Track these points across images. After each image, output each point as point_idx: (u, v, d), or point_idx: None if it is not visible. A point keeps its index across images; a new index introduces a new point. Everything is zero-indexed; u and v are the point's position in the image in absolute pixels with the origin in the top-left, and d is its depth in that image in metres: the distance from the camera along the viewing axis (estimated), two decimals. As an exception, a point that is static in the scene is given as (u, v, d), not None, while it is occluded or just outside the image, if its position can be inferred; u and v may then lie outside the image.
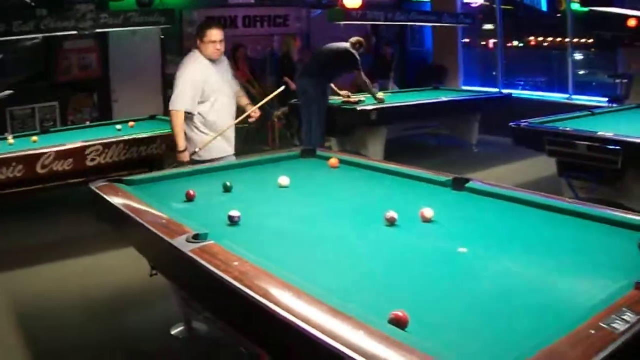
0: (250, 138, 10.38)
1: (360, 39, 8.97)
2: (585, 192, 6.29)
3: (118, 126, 7.37)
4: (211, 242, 2.75)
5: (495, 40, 13.22)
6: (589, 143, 5.87)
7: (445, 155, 10.04)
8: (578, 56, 12.06)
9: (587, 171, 6.15)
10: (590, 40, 12.15)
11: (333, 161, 4.65)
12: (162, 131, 6.84)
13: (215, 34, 5.41)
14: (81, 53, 9.71)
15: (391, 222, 3.19)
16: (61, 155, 6.11)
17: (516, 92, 12.00)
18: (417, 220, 3.26)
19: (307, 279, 2.37)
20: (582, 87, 11.88)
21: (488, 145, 10.76)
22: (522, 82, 13.51)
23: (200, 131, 5.51)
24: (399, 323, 2.01)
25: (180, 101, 5.37)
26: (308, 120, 8.84)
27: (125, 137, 6.59)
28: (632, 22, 11.09)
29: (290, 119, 10.72)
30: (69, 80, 9.78)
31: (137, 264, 5.19)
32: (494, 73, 13.52)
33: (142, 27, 8.35)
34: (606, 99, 10.64)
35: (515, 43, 13.57)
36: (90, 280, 5.36)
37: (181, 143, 5.43)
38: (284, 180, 4.07)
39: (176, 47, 10.49)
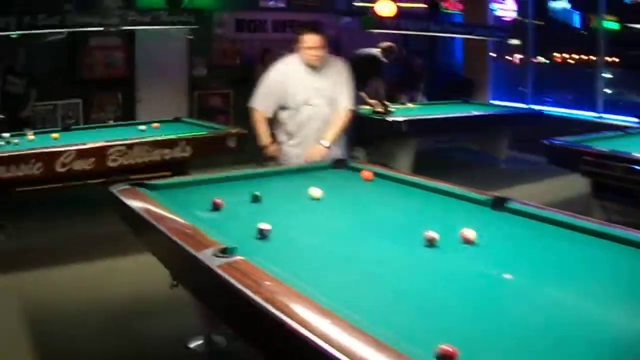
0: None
1: (392, 44, 8.83)
2: (619, 216, 6.06)
3: (142, 127, 7.22)
4: (240, 257, 2.56)
5: (521, 56, 13.03)
6: (627, 165, 5.68)
7: (474, 170, 9.81)
8: (607, 75, 11.82)
9: (623, 194, 5.95)
10: (618, 59, 11.89)
11: (367, 174, 4.44)
12: (187, 134, 6.69)
13: (309, 40, 5.14)
14: (107, 51, 9.58)
15: (431, 243, 2.99)
16: (82, 154, 5.96)
17: (545, 109, 11.77)
18: (458, 241, 3.06)
19: (345, 304, 2.17)
20: (611, 106, 11.66)
21: (517, 162, 10.56)
22: (550, 99, 13.28)
23: (281, 138, 5.45)
24: (447, 357, 1.83)
25: (254, 99, 5.42)
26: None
27: (149, 139, 6.44)
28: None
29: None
30: (94, 78, 9.65)
31: (157, 270, 5.00)
32: (520, 88, 13.33)
33: (171, 26, 8.21)
34: (637, 119, 10.44)
35: (541, 59, 13.33)
36: (106, 284, 5.23)
37: (262, 138, 5.37)
38: (315, 192, 3.88)
39: (204, 49, 10.35)
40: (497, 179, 9.24)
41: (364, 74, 8.70)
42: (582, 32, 13.27)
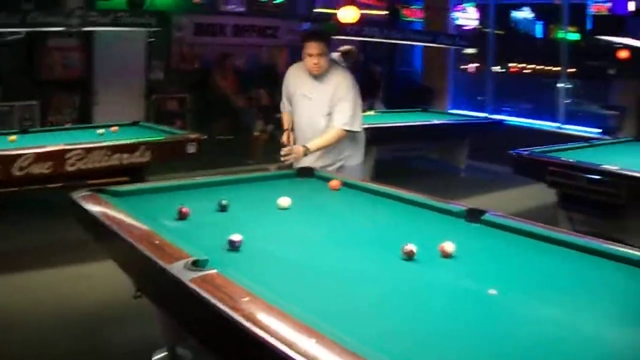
0: (232, 152, 10.11)
1: (351, 47, 8.78)
2: (584, 226, 6.05)
3: (100, 130, 7.01)
4: (214, 271, 2.42)
5: (477, 65, 13.09)
6: (593, 176, 5.68)
7: (434, 179, 9.75)
8: (567, 85, 11.92)
9: (588, 204, 5.94)
10: (574, 70, 12.00)
11: (334, 183, 4.32)
12: (146, 139, 6.51)
13: (308, 46, 5.04)
14: (65, 52, 9.31)
15: (409, 257, 2.88)
16: (41, 157, 5.73)
17: (504, 118, 11.83)
18: (436, 254, 2.96)
19: (327, 322, 2.04)
20: (571, 117, 11.75)
21: (476, 171, 10.54)
22: (510, 109, 13.35)
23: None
24: None
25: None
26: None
27: (108, 143, 6.22)
28: (623, 54, 11.00)
29: (275, 134, 10.47)
30: (52, 79, 9.38)
31: (119, 279, 4.84)
32: (479, 98, 13.38)
33: (132, 28, 8.01)
34: (599, 130, 10.53)
35: (500, 69, 13.40)
36: (68, 292, 5.05)
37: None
38: (284, 201, 3.74)
39: (163, 53, 10.16)
40: (457, 188, 9.19)
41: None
42: (544, 42, 13.40)
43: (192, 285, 2.30)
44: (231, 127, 10.50)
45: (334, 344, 1.88)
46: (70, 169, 5.88)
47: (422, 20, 13.34)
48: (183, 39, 10.42)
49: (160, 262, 2.55)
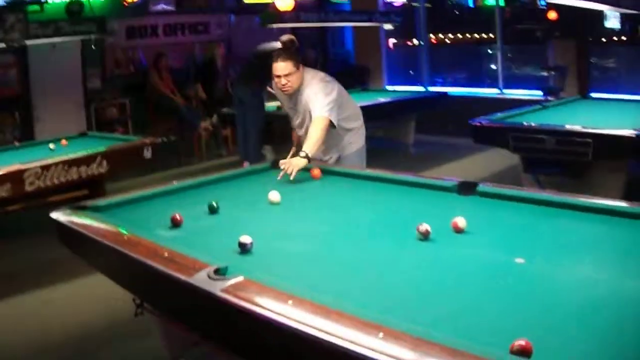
0: (178, 152, 9.95)
1: (292, 37, 8.65)
2: (552, 186, 6.12)
3: (51, 145, 6.76)
4: (241, 277, 2.30)
5: (394, 41, 13.22)
6: (559, 137, 5.74)
7: (386, 157, 9.68)
8: (500, 51, 12.05)
9: (554, 166, 6.01)
10: (506, 36, 12.16)
11: (316, 172, 4.22)
12: (102, 149, 6.32)
13: (275, 68, 4.66)
14: (1, 69, 8.95)
15: (425, 236, 2.83)
16: (-2, 180, 5.50)
17: (443, 90, 11.92)
18: (448, 231, 2.92)
19: (384, 313, 1.99)
20: (509, 81, 11.89)
21: (425, 145, 10.57)
22: (447, 80, 13.46)
23: None
24: (524, 352, 1.71)
25: None
26: (244, 128, 8.50)
27: (64, 158, 5.99)
28: (552, 15, 11.16)
29: (217, 128, 10.39)
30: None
31: (97, 296, 4.72)
32: (410, 72, 13.45)
33: (74, 37, 7.75)
34: (541, 92, 10.66)
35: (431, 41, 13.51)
36: (46, 318, 4.80)
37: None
38: (274, 196, 3.64)
39: (97, 60, 9.89)
40: (409, 164, 9.14)
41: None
42: (473, 11, 13.55)
43: (227, 296, 2.19)
44: (174, 128, 10.31)
45: (403, 334, 1.81)
46: (29, 188, 5.64)
47: (349, 1, 13.27)
48: (116, 44, 10.16)
49: (180, 276, 2.42)
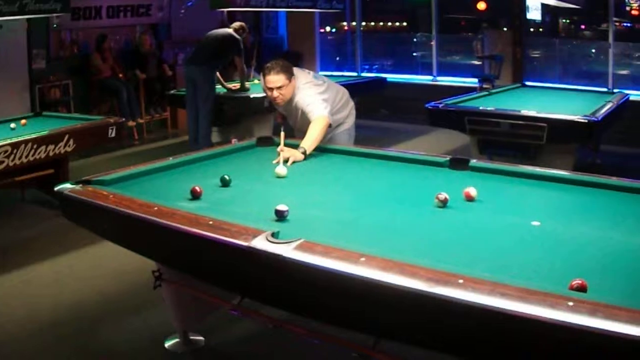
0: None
1: (243, 24, 8.85)
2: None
3: (12, 125, 6.69)
4: (302, 239, 2.44)
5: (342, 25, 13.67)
6: (514, 121, 6.09)
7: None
8: (434, 40, 12.47)
9: (508, 147, 6.34)
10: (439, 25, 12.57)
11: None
12: (68, 127, 6.34)
13: (267, 81, 4.64)
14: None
15: (444, 204, 3.10)
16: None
17: (386, 76, 12.18)
18: (460, 200, 3.20)
19: (441, 262, 2.27)
20: (442, 69, 12.31)
21: (365, 129, 10.78)
22: (378, 67, 13.80)
23: None
24: (582, 289, 2.05)
25: None
26: (194, 109, 8.57)
27: (34, 136, 5.97)
28: (481, 6, 11.65)
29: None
30: None
31: (82, 272, 4.79)
32: (337, 58, 13.75)
33: (39, 15, 7.67)
34: (475, 79, 11.08)
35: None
36: (33, 297, 4.75)
37: None
38: (282, 170, 3.83)
39: (43, 41, 9.79)
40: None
41: (229, 54, 8.66)
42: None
43: (298, 257, 2.34)
44: (116, 109, 10.32)
45: (481, 280, 2.08)
46: (-2, 168, 5.60)
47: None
48: (61, 25, 10.08)
49: (238, 242, 2.53)
